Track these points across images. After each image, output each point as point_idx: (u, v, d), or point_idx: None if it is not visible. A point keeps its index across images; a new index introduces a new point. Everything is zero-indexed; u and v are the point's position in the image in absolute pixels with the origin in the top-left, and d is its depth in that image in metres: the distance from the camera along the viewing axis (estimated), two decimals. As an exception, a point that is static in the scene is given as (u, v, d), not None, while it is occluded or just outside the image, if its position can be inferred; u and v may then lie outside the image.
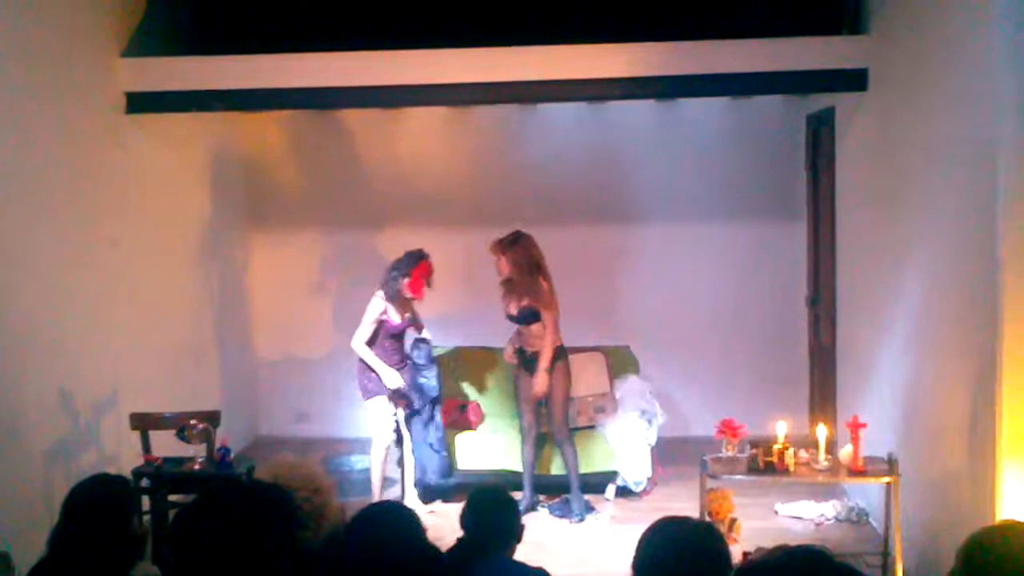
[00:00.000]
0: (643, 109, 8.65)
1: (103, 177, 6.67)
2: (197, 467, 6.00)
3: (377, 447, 7.20)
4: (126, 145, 6.96)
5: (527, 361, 7.03)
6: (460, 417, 7.74)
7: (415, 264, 7.07)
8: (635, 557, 2.60)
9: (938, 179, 5.42)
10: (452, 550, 3.84)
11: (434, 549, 2.14)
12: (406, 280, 7.05)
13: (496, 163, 8.98)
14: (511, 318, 7.03)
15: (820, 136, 8.07)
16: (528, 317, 6.94)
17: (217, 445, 6.15)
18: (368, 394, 7.20)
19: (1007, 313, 4.47)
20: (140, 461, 6.19)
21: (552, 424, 7.06)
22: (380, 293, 7.11)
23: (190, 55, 7.01)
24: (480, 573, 3.60)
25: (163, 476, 5.99)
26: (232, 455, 6.28)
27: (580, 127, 8.83)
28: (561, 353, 6.99)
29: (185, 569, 2.70)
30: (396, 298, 7.10)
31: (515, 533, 3.85)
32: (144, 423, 6.33)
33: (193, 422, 6.11)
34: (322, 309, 9.26)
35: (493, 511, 3.84)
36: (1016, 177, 4.46)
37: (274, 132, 9.12)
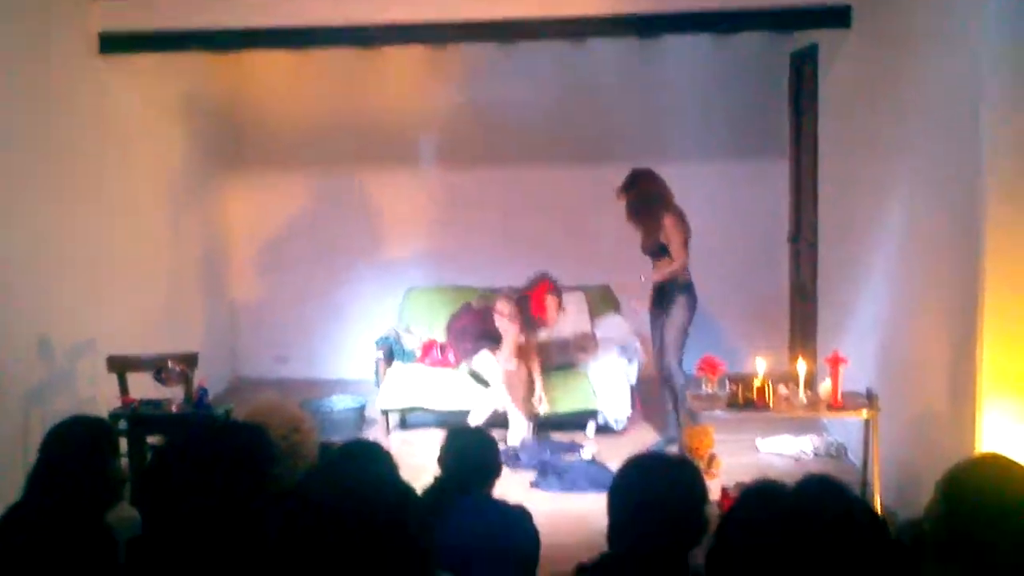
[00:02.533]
0: (624, 48, 8.54)
1: (77, 119, 6.57)
2: (175, 409, 5.96)
3: (497, 397, 7.26)
4: (100, 87, 6.85)
5: (659, 294, 7.04)
6: (442, 357, 7.74)
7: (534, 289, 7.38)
8: (610, 493, 2.59)
9: (921, 116, 5.38)
10: (430, 488, 3.84)
11: (406, 488, 2.12)
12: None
13: (476, 103, 8.88)
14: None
15: (803, 74, 8.00)
16: (654, 252, 6.98)
17: (195, 387, 6.12)
18: (472, 354, 7.39)
19: (988, 249, 4.45)
20: (117, 404, 6.15)
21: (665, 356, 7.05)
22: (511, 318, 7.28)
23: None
24: (459, 510, 3.60)
25: (140, 418, 5.95)
26: (210, 397, 6.26)
27: (560, 66, 8.72)
28: (685, 288, 6.93)
29: (159, 510, 2.68)
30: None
31: (494, 470, 3.85)
32: (121, 365, 6.29)
33: (170, 364, 6.07)
34: (301, 251, 9.20)
35: (472, 449, 3.83)
36: (999, 114, 4.42)
37: (252, 73, 8.98)
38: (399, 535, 1.83)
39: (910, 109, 5.56)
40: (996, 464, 2.56)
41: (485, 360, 7.28)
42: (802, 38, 7.81)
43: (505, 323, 7.14)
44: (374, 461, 2.98)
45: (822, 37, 7.29)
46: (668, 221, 6.87)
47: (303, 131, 9.04)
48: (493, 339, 7.25)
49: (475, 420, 7.06)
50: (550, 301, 7.23)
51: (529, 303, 7.20)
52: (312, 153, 9.08)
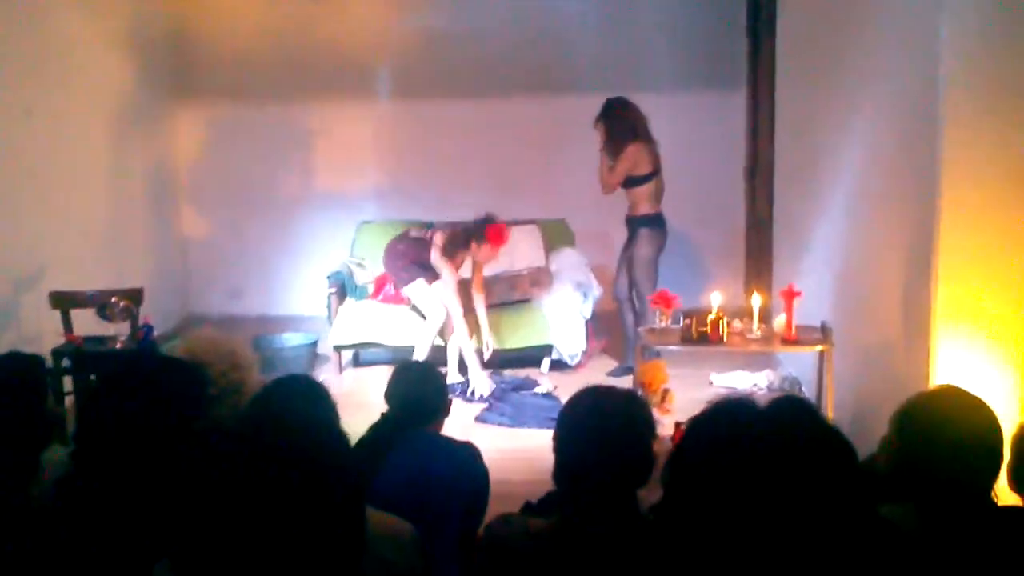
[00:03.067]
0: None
1: (14, 44, 6.35)
2: (119, 346, 5.83)
3: (431, 329, 7.10)
4: (42, 13, 6.61)
5: (627, 227, 7.15)
6: (395, 293, 7.63)
7: (482, 225, 7.05)
8: (556, 428, 2.51)
9: (882, 46, 5.28)
10: (377, 425, 3.76)
11: (332, 425, 2.03)
12: (481, 243, 7.04)
13: (432, 32, 8.72)
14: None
15: (761, 2, 7.87)
16: (626, 182, 7.01)
17: (140, 323, 5.99)
18: (406, 281, 7.13)
19: (944, 181, 4.38)
20: (61, 341, 6.01)
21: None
22: (441, 258, 7.04)
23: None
24: (405, 447, 3.52)
25: (84, 356, 5.82)
26: (155, 333, 6.14)
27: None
28: (648, 221, 7.04)
29: (88, 447, 2.59)
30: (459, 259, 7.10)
31: (442, 407, 3.77)
32: (64, 302, 6.13)
33: (115, 300, 5.92)
34: (253, 184, 9.04)
35: (418, 385, 3.74)
36: (959, 43, 4.32)
37: (201, 1, 8.75)
38: (322, 472, 1.74)
39: (870, 38, 5.46)
40: (949, 396, 2.50)
41: (419, 289, 7.10)
42: (760, -34, 7.70)
43: (437, 256, 6.99)
44: (304, 397, 2.88)
45: (780, -35, 7.18)
46: (630, 149, 6.92)
47: (254, 60, 8.84)
48: (428, 268, 7.10)
49: (420, 354, 6.97)
50: (503, 233, 7.08)
51: (470, 240, 7.03)
52: (263, 83, 8.89)
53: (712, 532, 1.57)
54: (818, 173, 6.37)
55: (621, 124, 6.99)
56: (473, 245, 6.99)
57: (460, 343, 7.02)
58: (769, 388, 6.81)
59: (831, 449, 1.62)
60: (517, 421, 6.37)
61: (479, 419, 6.46)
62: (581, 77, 8.49)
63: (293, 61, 8.79)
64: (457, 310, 6.99)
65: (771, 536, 1.54)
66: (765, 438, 1.60)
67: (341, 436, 1.92)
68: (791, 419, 1.65)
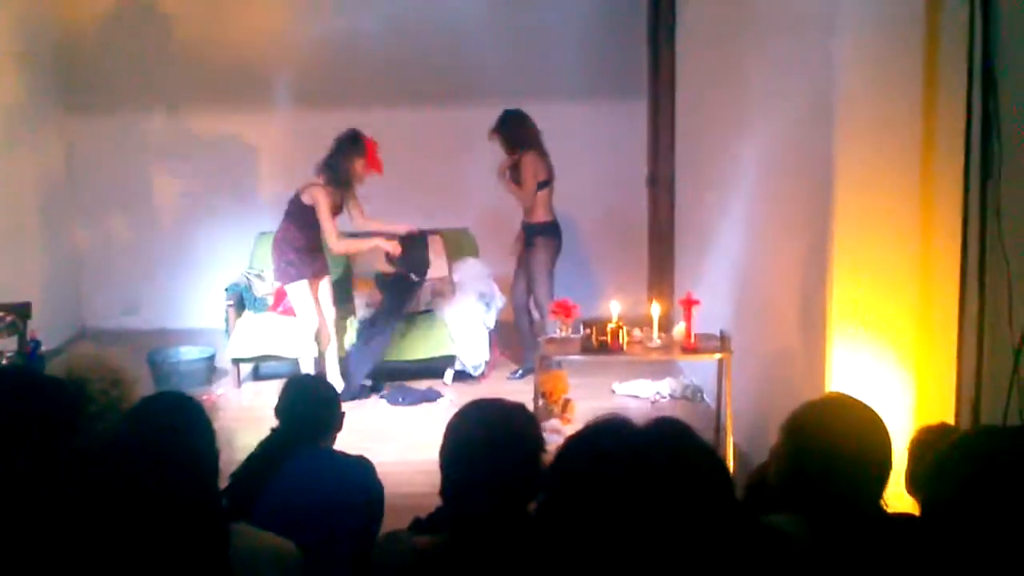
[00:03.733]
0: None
1: None
2: (5, 362, 5.63)
3: (308, 332, 6.96)
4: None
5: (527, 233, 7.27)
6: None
7: (359, 142, 6.84)
8: (443, 442, 2.44)
9: (778, 53, 5.32)
10: (267, 441, 3.67)
11: (203, 450, 1.96)
12: (362, 157, 6.83)
13: (331, 39, 8.59)
14: None
15: (660, 10, 7.91)
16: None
17: (28, 338, 5.80)
18: (286, 277, 6.93)
19: (839, 185, 4.42)
20: (-55, 356, 5.79)
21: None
22: (320, 183, 6.80)
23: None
24: (295, 464, 3.43)
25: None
26: (45, 348, 5.94)
27: (416, 4, 8.51)
28: (543, 229, 7.15)
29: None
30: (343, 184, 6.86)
31: (333, 422, 3.68)
32: (-53, 316, 5.91)
33: (1, 315, 5.74)
34: (148, 196, 8.84)
35: (310, 400, 3.65)
36: (853, 52, 4.36)
37: (91, 5, 8.53)
38: (181, 493, 1.68)
39: (766, 47, 5.50)
40: (838, 404, 2.50)
41: (300, 290, 6.94)
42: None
43: (322, 198, 6.77)
44: (172, 415, 2.77)
45: (680, -27, 7.22)
46: (526, 159, 7.03)
47: (147, 70, 8.63)
48: (316, 262, 6.97)
49: (305, 364, 6.88)
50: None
51: (350, 159, 6.84)
52: (157, 93, 8.69)
53: (585, 552, 1.52)
54: (718, 181, 6.40)
55: (516, 135, 7.10)
56: (357, 161, 6.83)
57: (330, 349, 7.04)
58: (671, 396, 6.83)
59: (705, 470, 1.58)
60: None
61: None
62: (483, 86, 8.44)
63: (187, 70, 8.60)
64: (331, 314, 6.99)
65: (645, 555, 1.49)
66: (639, 458, 1.56)
67: (204, 457, 1.86)
68: (666, 440, 1.61)
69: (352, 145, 6.81)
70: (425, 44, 8.60)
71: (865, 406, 2.44)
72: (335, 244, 6.84)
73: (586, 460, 1.61)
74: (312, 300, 6.92)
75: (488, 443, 2.36)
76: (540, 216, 7.14)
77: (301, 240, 6.86)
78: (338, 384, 6.94)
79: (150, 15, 8.55)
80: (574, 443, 1.66)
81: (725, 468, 1.61)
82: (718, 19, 6.41)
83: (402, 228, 7.00)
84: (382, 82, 8.47)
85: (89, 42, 8.63)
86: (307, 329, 6.95)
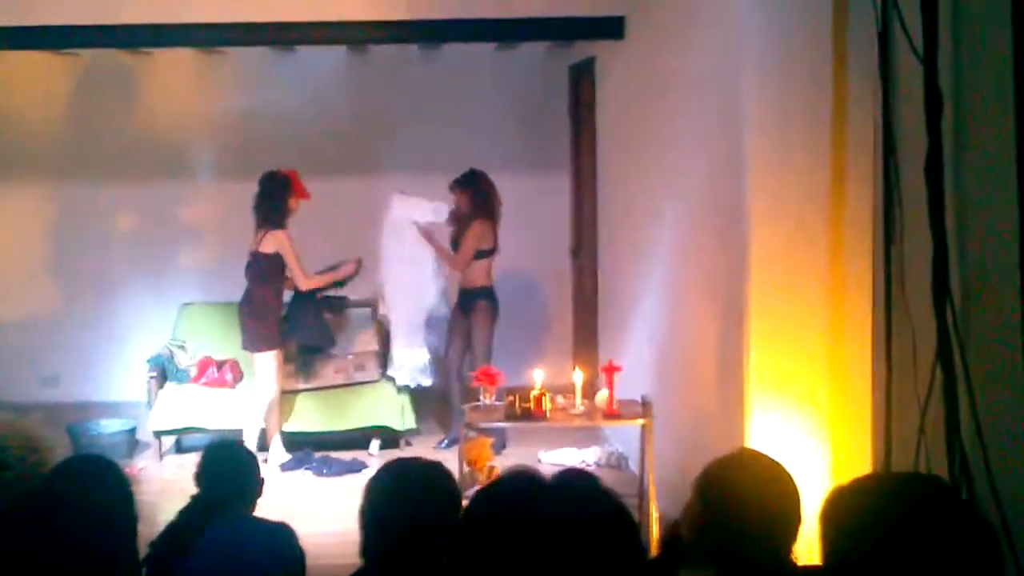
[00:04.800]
0: (405, 58, 8.47)
1: None
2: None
3: (266, 401, 6.94)
4: None
5: (463, 300, 7.31)
6: (218, 376, 7.44)
7: (286, 178, 6.90)
8: (361, 502, 2.46)
9: (688, 122, 5.49)
10: (187, 508, 3.63)
11: (129, 506, 1.96)
12: (292, 194, 6.88)
13: (250, 111, 8.62)
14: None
15: (581, 86, 8.09)
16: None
17: (-58, 411, 5.68)
18: (263, 345, 6.88)
19: (754, 256, 4.53)
20: None
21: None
22: (275, 229, 6.82)
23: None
24: (214, 532, 3.39)
25: None
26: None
27: (340, 75, 8.59)
28: (486, 294, 7.25)
29: None
30: (286, 222, 6.90)
31: (254, 488, 3.66)
32: None
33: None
34: (66, 266, 8.73)
35: (229, 466, 3.64)
36: (759, 120, 4.50)
37: (13, 75, 8.47)
38: (98, 552, 1.68)
39: (678, 115, 5.66)
40: (748, 459, 2.57)
41: (268, 360, 6.94)
42: (581, 51, 7.91)
43: (284, 242, 6.84)
44: (91, 478, 2.75)
45: (599, 50, 7.40)
46: (481, 224, 7.12)
47: (70, 137, 8.58)
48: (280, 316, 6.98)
49: (249, 438, 6.82)
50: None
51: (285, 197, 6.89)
52: (79, 160, 8.62)
53: None
54: (638, 250, 6.52)
55: (485, 199, 7.15)
56: (291, 200, 6.89)
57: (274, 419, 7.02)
58: (597, 464, 6.86)
59: (611, 519, 1.63)
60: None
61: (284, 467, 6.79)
62: (406, 156, 8.50)
63: (103, 138, 8.55)
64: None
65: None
66: (546, 508, 1.61)
67: (122, 517, 1.86)
68: (574, 490, 1.65)
69: (281, 184, 6.87)
70: (345, 116, 8.66)
71: (772, 460, 2.51)
72: (305, 282, 6.90)
73: (496, 508, 1.65)
74: (275, 370, 6.90)
75: (405, 498, 2.38)
76: (482, 281, 7.20)
77: (274, 302, 6.90)
78: (282, 456, 6.93)
79: (69, 85, 8.52)
80: (484, 492, 1.70)
81: (628, 514, 1.65)
82: (635, 94, 6.58)
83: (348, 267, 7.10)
84: (297, 153, 8.44)
85: (10, 110, 8.57)
86: (264, 399, 6.93)
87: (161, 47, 7.35)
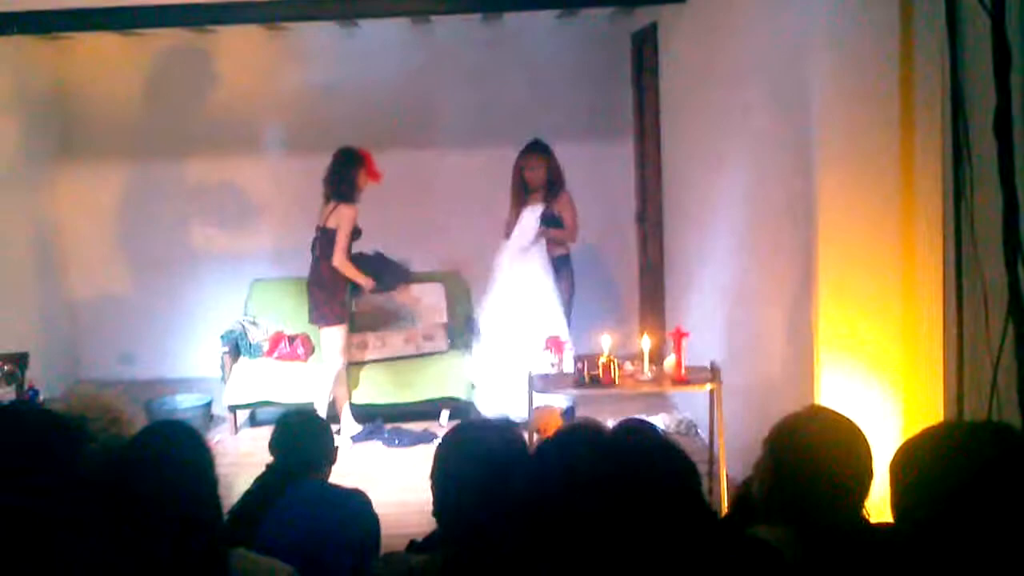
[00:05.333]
0: (467, 29, 8.49)
1: None
2: (4, 409, 5.67)
3: (332, 374, 7.02)
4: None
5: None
6: (290, 350, 7.55)
7: (359, 155, 6.91)
8: (432, 464, 2.50)
9: (756, 89, 5.43)
10: (263, 475, 3.71)
11: (211, 474, 2.02)
12: (362, 170, 6.87)
13: (317, 87, 8.70)
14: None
15: (644, 53, 8.04)
16: (549, 221, 7.15)
17: (26, 387, 5.84)
18: (330, 321, 6.96)
19: (822, 217, 4.50)
20: (-58, 408, 5.82)
21: None
22: (339, 201, 6.86)
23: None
24: (291, 497, 3.47)
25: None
26: (41, 397, 5.97)
27: (403, 48, 8.63)
28: (568, 261, 7.33)
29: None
30: (357, 198, 6.92)
31: (328, 456, 3.73)
32: (-56, 367, 5.96)
33: (-2, 364, 5.79)
34: (142, 245, 8.89)
35: (303, 434, 3.70)
36: (827, 80, 4.46)
37: (81, 59, 8.63)
38: (183, 517, 1.73)
39: (745, 82, 5.61)
40: (819, 415, 2.56)
41: (332, 334, 7.01)
42: (642, 18, 7.86)
43: (346, 214, 6.87)
44: (175, 442, 2.81)
45: (661, 15, 7.34)
46: (566, 195, 7.12)
47: (139, 118, 8.71)
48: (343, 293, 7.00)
49: (320, 404, 6.96)
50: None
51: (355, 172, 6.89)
52: (149, 141, 8.75)
53: (567, 554, 1.58)
54: (704, 215, 6.49)
55: (558, 167, 7.16)
56: (360, 176, 6.90)
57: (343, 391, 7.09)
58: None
59: (671, 463, 1.65)
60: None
61: (355, 438, 6.90)
62: (470, 129, 8.55)
63: (178, 117, 8.69)
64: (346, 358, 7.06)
65: (623, 550, 1.55)
66: (609, 456, 1.63)
67: (206, 478, 1.90)
68: (634, 437, 1.68)
69: (354, 160, 6.90)
70: (411, 90, 8.70)
71: (844, 417, 2.50)
72: (340, 260, 6.86)
73: (560, 459, 1.67)
74: (342, 345, 6.99)
75: (475, 460, 2.41)
76: (561, 250, 7.25)
77: (328, 276, 6.91)
78: (353, 428, 7.02)
79: (142, 67, 8.65)
80: (548, 444, 1.72)
81: (689, 460, 1.67)
82: (699, 59, 6.53)
83: (368, 282, 7.09)
84: (370, 127, 8.54)
85: (83, 92, 8.73)
86: (330, 372, 7.01)
87: (227, 24, 7.41)
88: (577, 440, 1.70)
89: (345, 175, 6.86)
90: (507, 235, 7.21)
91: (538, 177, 7.10)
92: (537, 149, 7.11)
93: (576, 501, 1.60)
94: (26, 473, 2.49)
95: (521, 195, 7.18)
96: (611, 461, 1.62)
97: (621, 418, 1.80)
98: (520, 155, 7.16)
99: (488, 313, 7.29)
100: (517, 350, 6.86)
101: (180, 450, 2.35)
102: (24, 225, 8.22)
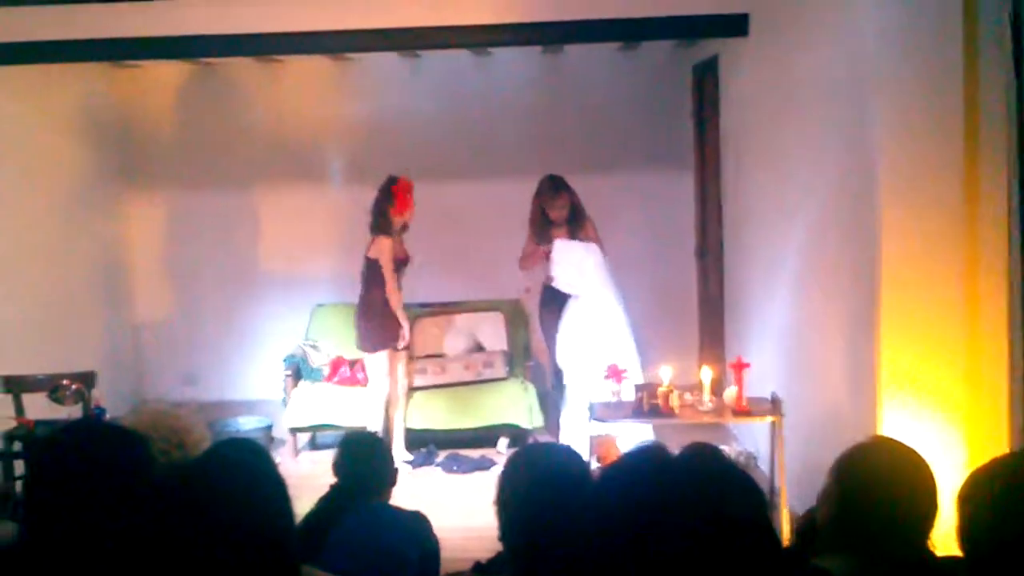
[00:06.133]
0: (528, 60, 8.58)
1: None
2: (73, 427, 5.78)
3: (380, 400, 7.12)
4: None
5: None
6: (351, 374, 7.63)
7: (393, 184, 6.99)
8: (497, 487, 2.53)
9: (817, 123, 5.44)
10: (326, 497, 3.76)
11: (280, 490, 2.06)
12: (392, 205, 6.95)
13: (379, 116, 8.81)
14: None
15: (705, 85, 8.06)
16: None
17: (92, 406, 5.95)
18: (375, 347, 7.08)
19: (885, 252, 4.48)
20: (12, 424, 5.96)
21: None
22: (375, 234, 7.00)
23: (53, 3, 6.68)
24: (354, 518, 3.52)
25: (36, 439, 5.77)
26: (107, 416, 6.08)
27: (465, 78, 8.72)
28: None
29: (30, 517, 2.57)
30: (392, 230, 7.01)
31: (388, 478, 3.77)
32: (15, 385, 6.12)
33: (66, 383, 5.91)
34: (206, 269, 9.02)
35: (365, 456, 3.75)
36: (891, 112, 4.46)
37: (151, 86, 8.82)
38: (258, 538, 1.77)
39: (807, 115, 5.61)
40: (887, 447, 2.56)
41: (375, 360, 7.11)
42: (703, 50, 7.89)
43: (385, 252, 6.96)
44: (249, 462, 2.85)
45: (723, 48, 7.36)
46: (590, 223, 7.09)
47: (205, 144, 8.87)
48: (390, 319, 7.04)
49: (373, 427, 7.00)
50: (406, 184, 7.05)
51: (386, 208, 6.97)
52: (215, 167, 8.91)
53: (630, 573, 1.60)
54: (765, 247, 6.48)
55: (579, 201, 7.15)
56: (391, 210, 6.96)
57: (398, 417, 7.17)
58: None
59: (736, 487, 1.66)
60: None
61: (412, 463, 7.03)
62: (530, 159, 8.59)
63: (243, 144, 8.84)
64: (403, 384, 7.15)
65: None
66: (679, 480, 1.65)
67: (281, 493, 1.94)
68: (703, 462, 1.70)
69: (385, 191, 7.01)
70: (470, 120, 8.79)
71: (910, 448, 2.50)
72: (388, 289, 6.97)
73: (627, 484, 1.69)
74: (387, 370, 7.06)
75: (539, 484, 2.43)
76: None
77: (376, 304, 6.99)
78: (403, 455, 7.07)
79: (207, 95, 8.81)
80: (614, 468, 1.74)
81: (756, 484, 1.68)
82: (760, 92, 6.53)
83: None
84: (430, 157, 8.66)
85: (148, 118, 8.91)
86: (377, 398, 7.08)
87: (292, 55, 7.55)
88: (645, 464, 1.72)
89: (379, 207, 6.98)
90: (522, 268, 7.26)
91: (564, 215, 7.11)
92: (561, 188, 7.09)
93: (643, 525, 1.62)
94: (100, 488, 2.54)
95: (545, 231, 7.14)
96: (679, 486, 1.64)
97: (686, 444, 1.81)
98: (540, 194, 7.15)
99: (565, 350, 7.17)
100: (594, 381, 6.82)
101: (252, 466, 2.39)
102: (92, 249, 8.39)
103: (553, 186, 7.09)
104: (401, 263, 7.05)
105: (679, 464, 1.71)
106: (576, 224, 7.11)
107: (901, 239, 4.47)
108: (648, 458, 1.73)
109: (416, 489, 6.55)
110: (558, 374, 7.21)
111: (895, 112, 4.45)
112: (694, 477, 1.67)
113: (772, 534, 1.68)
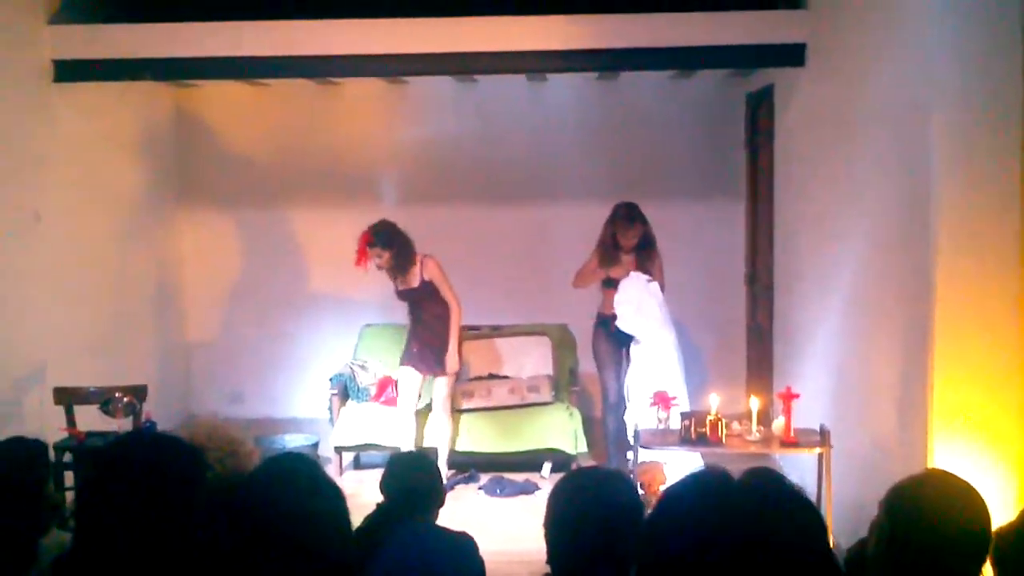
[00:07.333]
0: (582, 86, 8.61)
1: (28, 149, 6.51)
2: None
3: (401, 419, 7.18)
4: (52, 116, 6.79)
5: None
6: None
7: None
8: (545, 512, 2.53)
9: (872, 152, 5.41)
10: (372, 515, 3.77)
11: (338, 501, 2.07)
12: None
13: (432, 139, 8.88)
14: None
15: (759, 114, 8.06)
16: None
17: (143, 419, 6.02)
18: (401, 361, 7.23)
19: (940, 284, 4.45)
20: (64, 436, 6.04)
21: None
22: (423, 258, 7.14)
23: (119, 22, 6.83)
24: (400, 537, 3.52)
25: (86, 450, 5.84)
26: (158, 428, 6.15)
27: (518, 103, 8.77)
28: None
29: (84, 526, 2.60)
30: None
31: (437, 498, 3.78)
32: (68, 397, 6.20)
33: (118, 395, 5.99)
34: (256, 288, 9.11)
35: (413, 475, 3.76)
36: (948, 143, 4.43)
37: (207, 105, 8.95)
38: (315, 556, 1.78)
39: (862, 147, 5.59)
40: (939, 480, 2.54)
41: (400, 375, 7.18)
42: (758, 78, 7.88)
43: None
44: (301, 476, 2.87)
45: (778, 77, 7.35)
46: (656, 254, 7.02)
47: (259, 165, 8.99)
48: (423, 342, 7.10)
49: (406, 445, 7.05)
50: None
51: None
52: (268, 187, 9.02)
53: None
54: (816, 278, 6.45)
55: (651, 231, 7.03)
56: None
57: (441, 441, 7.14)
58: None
59: (800, 515, 1.66)
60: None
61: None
62: (581, 184, 8.62)
63: (296, 165, 8.94)
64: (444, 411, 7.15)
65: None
66: (740, 505, 1.64)
67: (340, 508, 1.94)
68: (765, 488, 1.69)
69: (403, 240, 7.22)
70: (524, 144, 8.83)
71: (963, 481, 2.48)
72: (454, 308, 7.04)
73: (686, 507, 1.69)
74: (408, 390, 7.10)
75: (587, 509, 2.43)
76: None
77: (441, 324, 7.05)
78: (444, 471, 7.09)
79: (263, 114, 8.92)
80: (674, 490, 1.74)
81: (818, 512, 1.67)
82: (816, 120, 6.52)
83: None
84: (478, 181, 8.71)
85: (204, 138, 9.03)
86: (401, 416, 7.13)
87: (349, 76, 7.63)
88: (704, 488, 1.71)
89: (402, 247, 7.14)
90: (575, 285, 7.15)
91: (634, 244, 6.99)
92: (636, 218, 6.95)
93: (702, 551, 1.62)
94: (155, 497, 2.57)
95: (613, 256, 7.01)
96: (740, 512, 1.63)
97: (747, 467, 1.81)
98: (615, 220, 6.99)
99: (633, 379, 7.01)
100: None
101: (311, 477, 2.42)
102: (147, 265, 8.50)
103: (629, 215, 6.95)
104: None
105: (741, 489, 1.71)
106: (645, 255, 7.03)
107: (956, 269, 4.43)
108: (712, 480, 1.72)
109: (460, 511, 6.55)
110: (613, 406, 7.13)
111: (953, 140, 4.42)
112: (760, 504, 1.66)
113: (833, 564, 1.67)
